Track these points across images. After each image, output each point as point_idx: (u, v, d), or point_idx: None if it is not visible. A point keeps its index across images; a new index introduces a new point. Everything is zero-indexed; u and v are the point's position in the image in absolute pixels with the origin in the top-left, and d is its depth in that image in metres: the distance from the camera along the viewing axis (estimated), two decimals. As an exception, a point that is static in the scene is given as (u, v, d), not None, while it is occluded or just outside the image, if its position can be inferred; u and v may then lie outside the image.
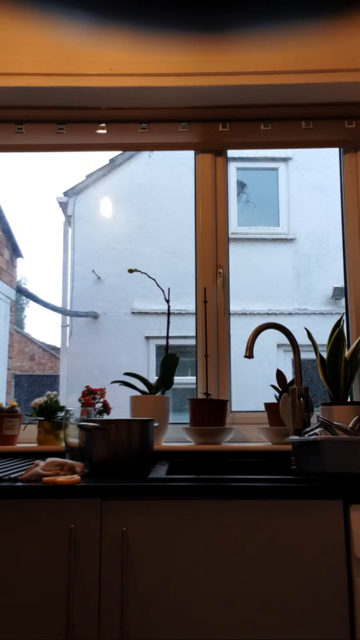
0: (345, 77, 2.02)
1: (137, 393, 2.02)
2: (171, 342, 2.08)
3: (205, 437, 1.92)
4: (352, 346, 1.99)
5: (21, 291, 4.92)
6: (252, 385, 2.39)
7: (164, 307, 2.10)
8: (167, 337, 2.08)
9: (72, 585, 1.30)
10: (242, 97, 2.10)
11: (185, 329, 2.35)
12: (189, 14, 2.04)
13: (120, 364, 3.67)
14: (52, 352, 6.07)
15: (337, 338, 1.95)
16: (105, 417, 1.99)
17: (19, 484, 1.38)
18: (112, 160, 4.60)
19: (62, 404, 1.99)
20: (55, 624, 1.30)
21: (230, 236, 2.26)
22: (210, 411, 1.96)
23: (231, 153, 2.34)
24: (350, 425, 1.61)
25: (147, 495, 1.34)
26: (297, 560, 1.32)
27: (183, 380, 2.42)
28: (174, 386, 2.05)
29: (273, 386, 2.03)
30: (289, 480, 1.42)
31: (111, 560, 1.31)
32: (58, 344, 5.58)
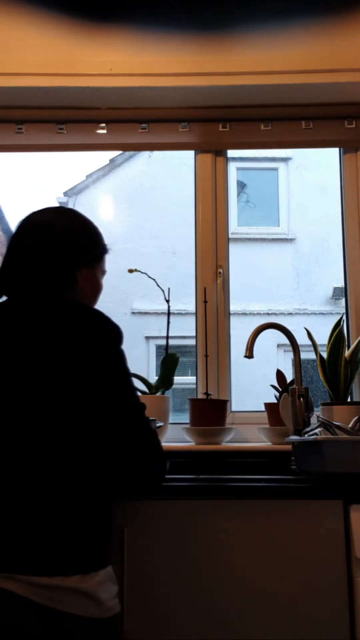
0: (345, 77, 2.01)
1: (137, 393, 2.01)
2: (171, 342, 2.08)
3: (205, 437, 1.92)
4: (352, 346, 1.99)
5: (21, 291, 4.91)
6: (252, 385, 2.39)
7: (164, 307, 2.10)
8: (167, 337, 2.08)
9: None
10: (242, 97, 2.10)
11: (185, 329, 2.34)
12: (189, 14, 2.04)
13: (120, 364, 3.66)
14: (52, 352, 6.06)
15: (337, 338, 1.94)
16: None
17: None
18: (112, 160, 4.60)
19: (62, 404, 1.99)
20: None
21: (230, 236, 2.26)
22: (210, 411, 1.96)
23: (231, 153, 2.34)
24: (350, 425, 1.61)
25: (147, 495, 1.34)
26: (297, 560, 1.32)
27: (183, 380, 2.42)
28: (174, 386, 2.05)
29: (273, 386, 2.02)
30: (289, 480, 1.42)
31: (111, 560, 1.31)
32: (58, 344, 5.57)
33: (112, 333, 1.09)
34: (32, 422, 1.02)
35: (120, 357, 1.09)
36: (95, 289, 1.27)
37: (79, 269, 1.19)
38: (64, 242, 1.18)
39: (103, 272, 1.30)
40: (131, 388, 1.10)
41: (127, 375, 1.10)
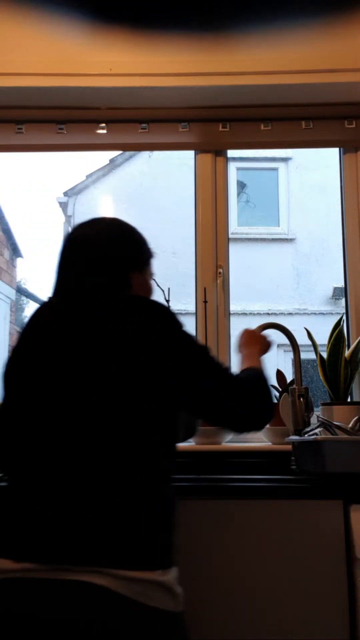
0: (345, 77, 2.01)
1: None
2: (171, 342, 2.08)
3: (206, 437, 1.92)
4: (352, 346, 1.99)
5: (21, 291, 4.91)
6: (252, 385, 2.38)
7: (164, 307, 2.09)
8: (167, 337, 2.08)
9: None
10: (242, 97, 2.10)
11: (185, 329, 2.34)
12: (189, 14, 2.04)
13: (120, 364, 3.65)
14: (52, 352, 6.06)
15: (337, 338, 1.94)
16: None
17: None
18: (112, 160, 4.60)
19: (62, 404, 1.99)
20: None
21: (230, 236, 2.26)
22: (210, 411, 1.96)
23: (231, 153, 2.33)
24: (350, 425, 1.61)
25: (147, 495, 1.33)
26: (297, 560, 1.32)
27: (183, 380, 2.41)
28: (174, 386, 2.04)
29: (273, 386, 2.02)
30: (289, 480, 1.42)
31: (111, 560, 1.31)
32: (58, 344, 5.56)
33: (172, 317, 1.14)
34: (118, 416, 1.05)
35: (188, 336, 1.14)
36: (148, 291, 1.32)
37: (131, 274, 1.24)
38: (115, 251, 1.24)
39: (151, 275, 1.35)
40: (206, 359, 1.14)
41: (198, 351, 1.14)
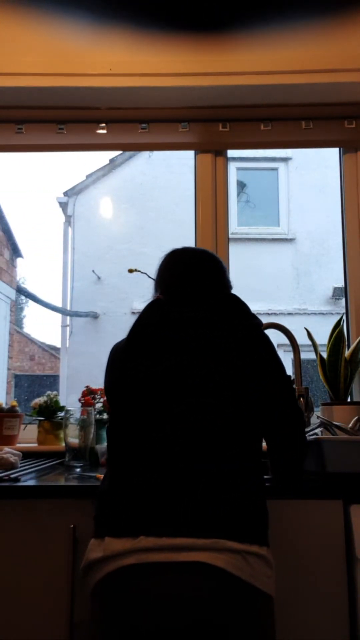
0: (345, 77, 2.01)
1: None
2: (171, 342, 2.07)
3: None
4: (352, 346, 1.99)
5: (21, 291, 4.92)
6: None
7: (164, 307, 2.09)
8: (167, 337, 2.07)
9: (73, 585, 1.30)
10: (242, 97, 2.10)
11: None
12: (189, 14, 2.04)
13: (120, 364, 3.65)
14: (52, 352, 6.08)
15: (337, 338, 1.94)
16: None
17: (20, 484, 1.38)
18: (112, 160, 4.61)
19: (62, 404, 1.99)
20: (57, 623, 1.30)
21: (230, 236, 2.26)
22: (210, 411, 1.96)
23: (231, 153, 2.33)
24: (350, 425, 1.61)
25: (147, 495, 1.33)
26: (297, 560, 1.32)
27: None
28: (174, 386, 2.04)
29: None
30: (289, 480, 1.41)
31: (111, 560, 1.31)
32: (58, 344, 5.58)
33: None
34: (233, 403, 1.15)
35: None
36: None
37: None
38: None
39: None
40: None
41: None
